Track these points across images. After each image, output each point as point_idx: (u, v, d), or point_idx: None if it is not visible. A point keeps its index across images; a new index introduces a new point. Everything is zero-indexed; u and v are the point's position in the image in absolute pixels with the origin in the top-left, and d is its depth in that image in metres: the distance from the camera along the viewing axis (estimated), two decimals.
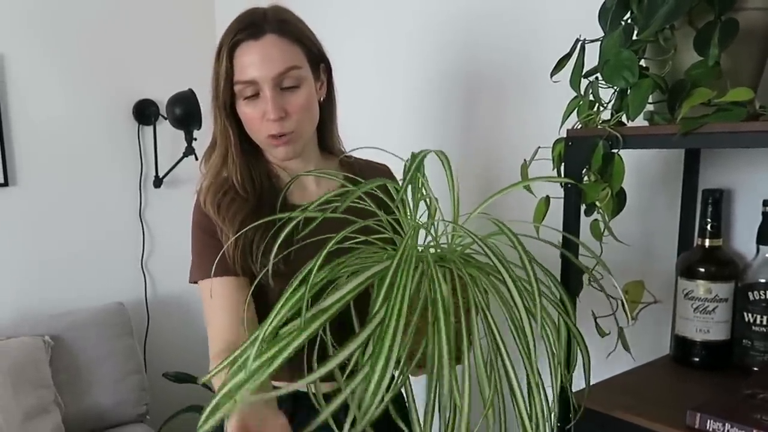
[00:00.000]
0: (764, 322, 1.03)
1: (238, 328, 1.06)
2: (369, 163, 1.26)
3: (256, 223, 1.03)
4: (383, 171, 1.25)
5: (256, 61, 1.05)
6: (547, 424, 0.78)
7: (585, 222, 1.00)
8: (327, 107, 1.19)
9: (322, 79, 1.16)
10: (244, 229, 1.05)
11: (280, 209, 1.07)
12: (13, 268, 2.10)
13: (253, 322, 1.09)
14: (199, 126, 2.14)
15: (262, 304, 1.10)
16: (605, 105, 0.97)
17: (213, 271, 1.07)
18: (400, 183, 0.93)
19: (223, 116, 1.11)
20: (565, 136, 0.98)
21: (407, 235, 0.83)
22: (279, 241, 0.93)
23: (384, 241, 0.93)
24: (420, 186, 0.94)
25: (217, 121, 1.13)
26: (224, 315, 1.08)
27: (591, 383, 0.97)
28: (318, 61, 1.14)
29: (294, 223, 0.92)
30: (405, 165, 0.94)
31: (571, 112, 1.02)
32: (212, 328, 1.10)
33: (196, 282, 1.14)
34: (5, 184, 2.04)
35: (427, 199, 0.94)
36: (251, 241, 1.08)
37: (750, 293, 1.05)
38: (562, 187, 0.99)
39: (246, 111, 1.09)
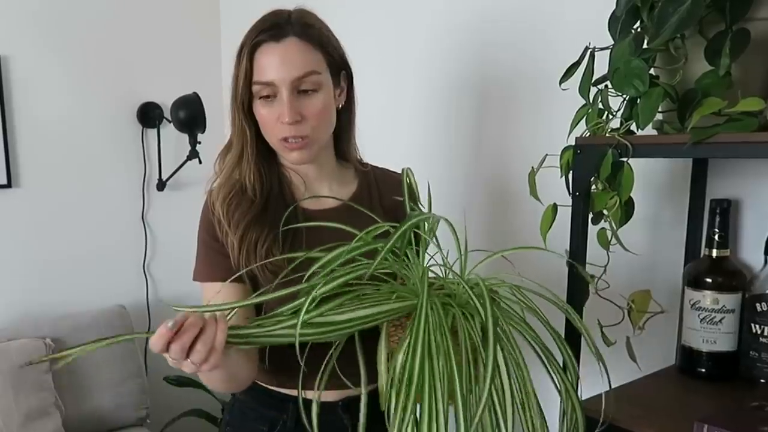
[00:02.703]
0: None
1: None
2: (385, 173, 1.25)
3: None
4: (399, 181, 1.25)
5: (275, 63, 1.05)
6: None
7: (592, 230, 1.00)
8: (345, 114, 1.18)
9: (342, 86, 1.15)
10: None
11: (291, 214, 1.07)
12: (15, 269, 2.10)
13: None
14: (203, 129, 2.13)
15: (257, 307, 1.11)
16: (614, 113, 0.97)
17: (215, 276, 1.10)
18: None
19: (240, 116, 1.10)
20: (573, 143, 0.98)
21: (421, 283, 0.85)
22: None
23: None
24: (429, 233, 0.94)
25: (234, 121, 1.12)
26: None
27: (595, 393, 0.97)
28: (339, 68, 1.13)
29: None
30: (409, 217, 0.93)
31: (580, 120, 1.01)
32: None
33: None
34: (8, 185, 2.04)
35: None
36: (255, 244, 1.08)
37: (757, 304, 1.04)
38: (571, 196, 0.99)
39: (262, 112, 1.08)
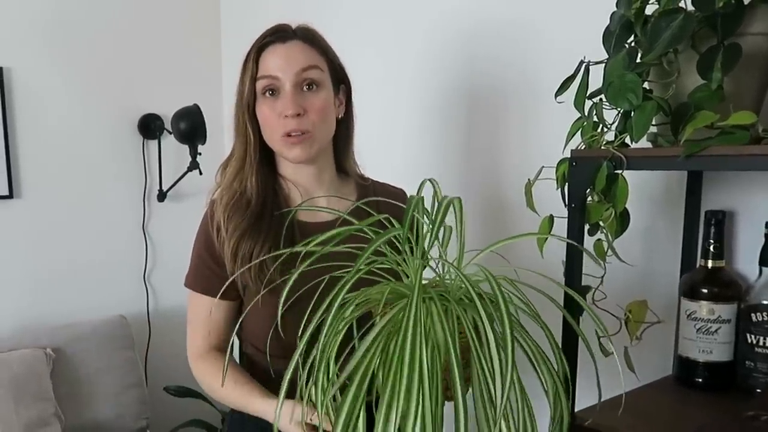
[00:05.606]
0: (767, 344, 1.03)
1: (211, 342, 1.17)
2: (385, 187, 1.27)
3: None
4: (398, 195, 1.25)
5: (280, 60, 1.10)
6: None
7: (588, 241, 1.00)
8: (344, 126, 1.21)
9: (341, 98, 1.18)
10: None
11: (287, 226, 1.08)
12: (16, 279, 2.11)
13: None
14: (203, 141, 2.15)
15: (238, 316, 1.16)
16: (609, 126, 0.98)
17: (204, 289, 1.15)
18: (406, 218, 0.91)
19: (245, 117, 1.13)
20: (569, 156, 0.99)
21: (415, 281, 0.84)
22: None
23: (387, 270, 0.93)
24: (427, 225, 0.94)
25: (238, 124, 1.15)
26: (204, 330, 1.17)
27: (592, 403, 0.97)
28: (339, 80, 1.17)
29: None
30: (408, 202, 0.91)
31: (575, 133, 1.03)
32: (192, 335, 1.19)
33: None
34: (10, 196, 2.05)
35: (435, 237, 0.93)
36: (250, 254, 1.09)
37: (753, 314, 1.05)
38: (565, 207, 0.99)
39: (264, 110, 1.11)
